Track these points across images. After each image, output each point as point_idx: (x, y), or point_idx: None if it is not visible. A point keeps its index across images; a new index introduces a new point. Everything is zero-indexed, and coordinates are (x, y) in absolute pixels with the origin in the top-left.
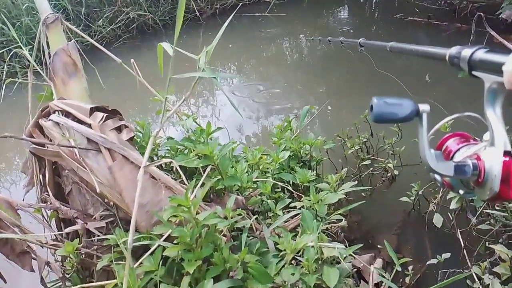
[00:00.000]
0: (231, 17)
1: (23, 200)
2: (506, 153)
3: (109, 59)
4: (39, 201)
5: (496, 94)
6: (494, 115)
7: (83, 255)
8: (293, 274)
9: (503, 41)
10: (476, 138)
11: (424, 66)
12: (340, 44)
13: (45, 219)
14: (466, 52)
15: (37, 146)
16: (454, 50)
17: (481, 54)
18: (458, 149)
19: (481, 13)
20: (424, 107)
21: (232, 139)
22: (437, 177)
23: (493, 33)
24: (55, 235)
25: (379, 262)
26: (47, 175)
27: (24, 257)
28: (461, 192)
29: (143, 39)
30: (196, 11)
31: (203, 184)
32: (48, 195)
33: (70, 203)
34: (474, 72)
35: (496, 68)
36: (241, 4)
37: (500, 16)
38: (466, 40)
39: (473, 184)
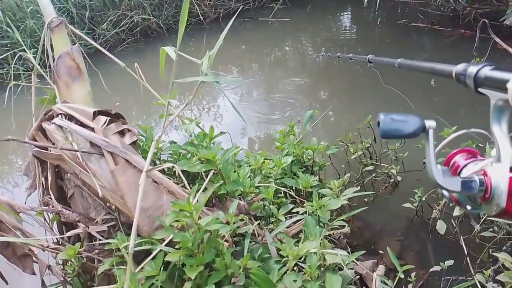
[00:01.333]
0: (232, 19)
1: (25, 203)
2: None
3: (112, 63)
4: (41, 204)
5: (501, 111)
6: (500, 131)
7: (85, 259)
8: (295, 281)
9: (507, 47)
10: (483, 154)
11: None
12: (349, 60)
13: (47, 222)
14: (472, 69)
15: (40, 149)
16: (460, 67)
17: (487, 71)
18: (465, 165)
19: (485, 20)
20: (430, 123)
21: (234, 143)
22: (445, 192)
23: (497, 39)
24: (56, 238)
25: (381, 268)
26: (49, 178)
27: (25, 260)
28: (468, 207)
29: (147, 42)
30: (200, 15)
31: (205, 189)
32: (50, 198)
33: (72, 206)
34: (480, 89)
35: (501, 86)
36: (244, 8)
37: (504, 22)
38: (470, 46)
39: (480, 200)
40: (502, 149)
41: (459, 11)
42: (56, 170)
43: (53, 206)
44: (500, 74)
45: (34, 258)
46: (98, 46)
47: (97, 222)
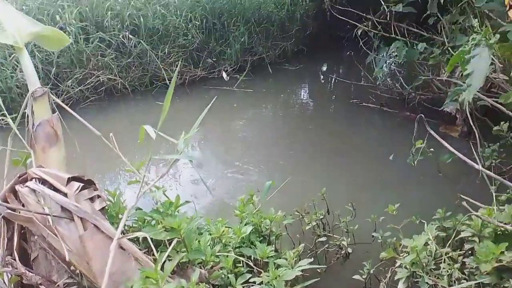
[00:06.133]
0: (212, 103)
1: None
2: None
3: (70, 118)
4: (2, 264)
5: None
6: None
7: None
8: None
9: (440, 140)
10: None
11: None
12: None
13: (5, 283)
14: None
15: (10, 211)
16: None
17: None
18: None
19: (422, 115)
20: None
21: (196, 211)
22: None
23: (432, 132)
24: None
25: None
26: (15, 239)
27: None
28: None
29: (111, 101)
30: (167, 79)
31: (169, 256)
32: (14, 259)
33: (35, 268)
34: None
35: None
36: (209, 77)
37: (444, 109)
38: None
39: None
40: None
41: (405, 95)
42: (22, 231)
43: (16, 267)
44: None
45: None
46: (80, 118)
47: (58, 285)
